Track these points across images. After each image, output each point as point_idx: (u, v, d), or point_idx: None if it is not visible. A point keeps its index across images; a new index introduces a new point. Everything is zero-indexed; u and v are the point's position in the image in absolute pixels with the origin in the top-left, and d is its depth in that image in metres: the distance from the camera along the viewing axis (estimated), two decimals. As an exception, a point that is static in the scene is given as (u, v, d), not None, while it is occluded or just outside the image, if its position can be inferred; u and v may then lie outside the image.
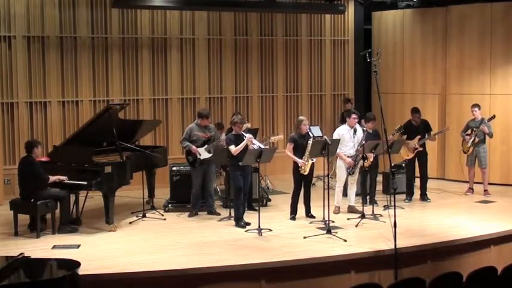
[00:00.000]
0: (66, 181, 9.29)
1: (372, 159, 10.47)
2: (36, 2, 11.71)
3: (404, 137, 11.44)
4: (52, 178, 9.19)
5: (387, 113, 12.95)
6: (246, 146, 9.63)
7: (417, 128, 11.47)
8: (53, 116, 11.94)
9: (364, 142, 10.07)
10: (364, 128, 10.44)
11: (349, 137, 10.33)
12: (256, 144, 9.91)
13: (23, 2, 11.62)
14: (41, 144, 9.70)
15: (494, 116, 11.67)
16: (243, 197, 9.77)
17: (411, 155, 11.47)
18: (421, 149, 11.47)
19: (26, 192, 9.14)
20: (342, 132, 10.40)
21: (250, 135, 9.82)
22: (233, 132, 9.83)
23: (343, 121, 11.27)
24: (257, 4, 12.79)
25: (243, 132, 9.82)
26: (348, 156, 10.31)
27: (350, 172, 10.41)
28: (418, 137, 11.42)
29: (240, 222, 9.67)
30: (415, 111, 11.57)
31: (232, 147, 9.63)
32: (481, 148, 11.63)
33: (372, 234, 9.20)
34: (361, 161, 10.17)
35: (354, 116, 10.40)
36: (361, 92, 14.56)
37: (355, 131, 10.36)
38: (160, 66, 12.74)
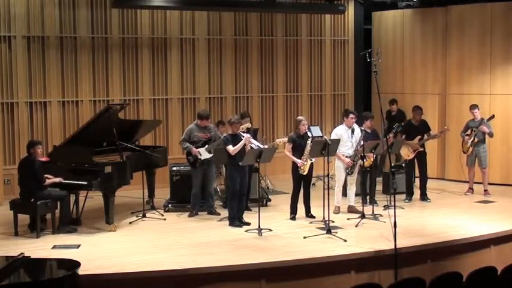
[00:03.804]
0: (63, 181, 9.29)
1: (372, 159, 10.47)
2: (36, 2, 11.71)
3: (404, 137, 11.44)
4: (49, 181, 9.17)
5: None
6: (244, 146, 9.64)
7: (417, 128, 11.47)
8: (53, 116, 11.94)
9: (362, 142, 10.07)
10: (362, 128, 10.43)
11: (347, 137, 10.32)
12: (255, 143, 9.91)
13: (23, 2, 11.62)
14: (41, 143, 9.67)
15: (493, 116, 11.66)
16: (241, 196, 9.77)
17: (412, 156, 11.46)
18: (421, 149, 11.48)
19: (26, 192, 9.14)
20: (340, 132, 10.39)
21: (248, 135, 9.81)
22: (230, 132, 9.82)
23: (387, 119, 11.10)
24: (257, 4, 12.79)
25: (240, 132, 9.81)
26: (346, 157, 10.31)
27: (349, 172, 10.41)
28: (418, 137, 11.42)
29: (234, 222, 9.67)
30: (418, 108, 11.56)
31: (230, 147, 9.62)
32: (480, 148, 11.63)
33: (371, 234, 9.20)
34: (360, 161, 10.17)
35: (351, 115, 10.39)
36: (361, 92, 14.55)
37: (352, 131, 10.36)
38: (160, 66, 12.73)
